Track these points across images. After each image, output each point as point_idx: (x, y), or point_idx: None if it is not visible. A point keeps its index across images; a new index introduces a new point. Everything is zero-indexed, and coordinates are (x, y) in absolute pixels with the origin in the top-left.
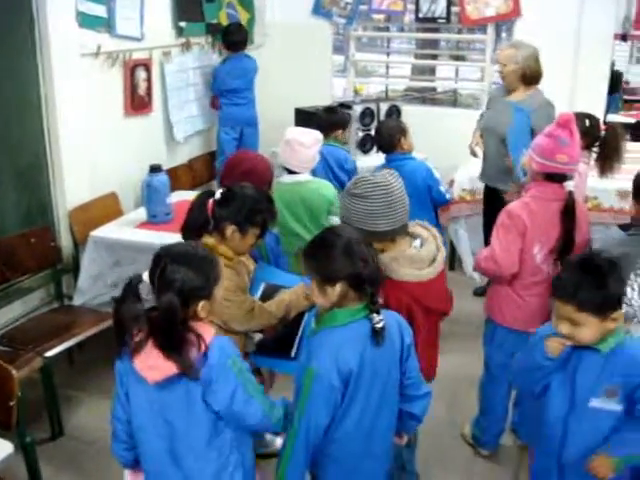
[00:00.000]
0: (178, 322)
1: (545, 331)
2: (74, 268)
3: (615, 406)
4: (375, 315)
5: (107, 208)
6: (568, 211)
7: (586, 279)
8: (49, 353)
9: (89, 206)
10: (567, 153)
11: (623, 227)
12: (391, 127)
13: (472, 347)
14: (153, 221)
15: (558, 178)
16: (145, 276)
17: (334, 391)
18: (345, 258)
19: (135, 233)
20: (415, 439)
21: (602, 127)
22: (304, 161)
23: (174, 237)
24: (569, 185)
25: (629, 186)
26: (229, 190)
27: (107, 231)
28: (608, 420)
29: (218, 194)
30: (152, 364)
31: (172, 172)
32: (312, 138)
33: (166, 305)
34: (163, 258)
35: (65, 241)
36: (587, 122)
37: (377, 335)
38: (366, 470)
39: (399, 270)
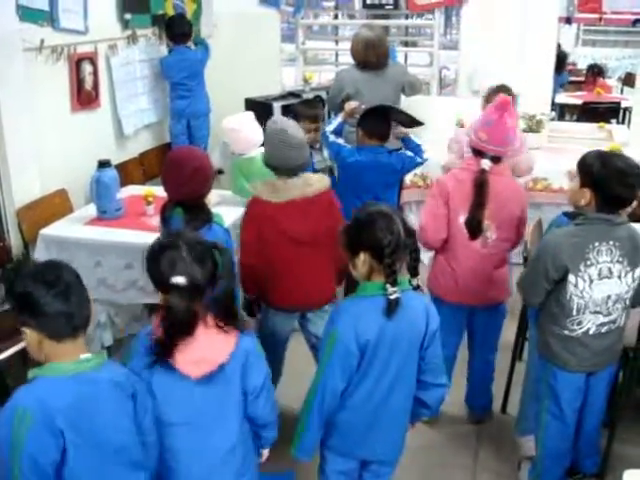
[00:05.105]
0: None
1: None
2: None
3: None
4: (389, 286)
5: (56, 205)
6: (476, 188)
7: None
8: (1, 356)
9: (38, 204)
10: (488, 132)
11: (569, 215)
12: None
13: None
14: (103, 217)
15: (479, 153)
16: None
17: (350, 356)
18: (365, 230)
19: (85, 230)
20: None
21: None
22: (245, 142)
23: (124, 233)
24: (485, 163)
25: None
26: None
27: (57, 229)
28: None
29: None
30: (196, 359)
31: (123, 167)
32: (239, 121)
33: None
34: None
35: (14, 240)
36: None
37: (389, 306)
38: (370, 445)
39: None
